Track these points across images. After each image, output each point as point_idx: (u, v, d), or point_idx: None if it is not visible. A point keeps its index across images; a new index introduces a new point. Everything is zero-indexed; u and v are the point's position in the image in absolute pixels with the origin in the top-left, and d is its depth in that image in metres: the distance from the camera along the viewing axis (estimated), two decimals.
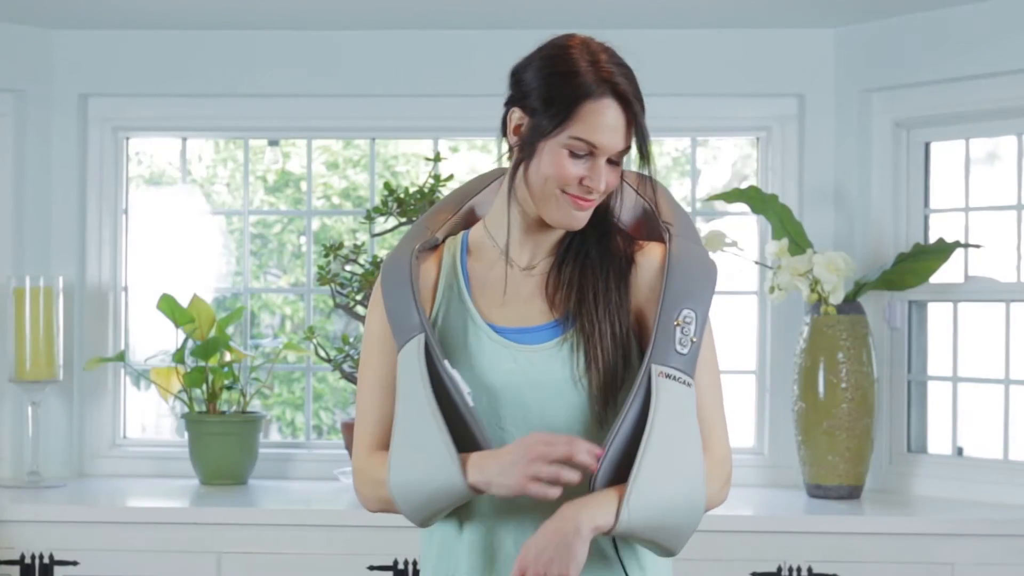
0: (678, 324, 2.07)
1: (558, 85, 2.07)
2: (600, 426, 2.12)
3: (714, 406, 2.18)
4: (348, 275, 4.02)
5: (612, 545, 2.15)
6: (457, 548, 2.18)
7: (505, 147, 2.17)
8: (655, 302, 2.13)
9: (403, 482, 2.11)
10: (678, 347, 2.06)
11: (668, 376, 2.04)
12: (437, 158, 4.10)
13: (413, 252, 2.20)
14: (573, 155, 2.08)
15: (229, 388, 4.25)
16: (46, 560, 3.71)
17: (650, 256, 2.19)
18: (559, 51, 2.10)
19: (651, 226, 2.23)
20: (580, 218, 2.12)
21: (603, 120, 2.06)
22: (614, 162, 2.11)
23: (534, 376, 2.13)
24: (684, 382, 2.05)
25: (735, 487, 4.10)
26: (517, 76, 2.14)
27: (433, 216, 2.29)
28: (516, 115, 2.12)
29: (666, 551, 2.11)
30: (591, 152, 2.08)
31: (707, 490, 2.09)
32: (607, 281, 2.15)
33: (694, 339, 2.07)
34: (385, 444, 2.19)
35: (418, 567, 3.64)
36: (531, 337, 2.15)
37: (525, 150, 2.11)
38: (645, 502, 2.01)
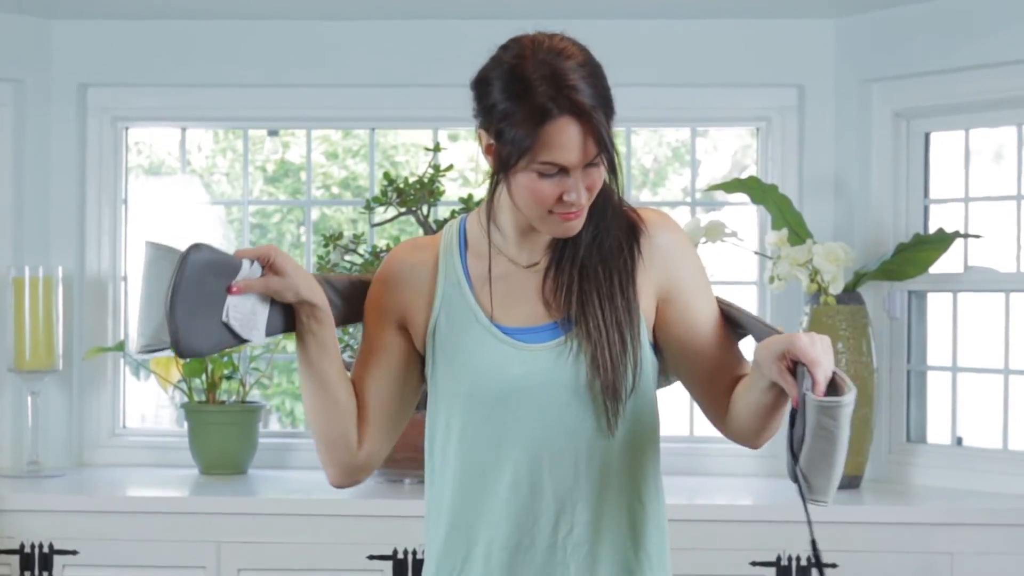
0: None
1: (516, 112, 2.01)
2: (602, 435, 2.13)
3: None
4: (348, 265, 4.01)
5: (632, 546, 2.16)
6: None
7: None
8: (684, 277, 2.17)
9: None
10: None
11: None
12: (437, 148, 4.10)
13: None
14: (545, 176, 2.03)
15: (228, 378, 4.26)
16: (46, 550, 3.71)
17: (660, 231, 2.18)
18: (513, 70, 2.03)
19: None
20: (574, 227, 2.09)
21: (565, 140, 2.00)
22: (593, 163, 2.05)
23: (545, 377, 2.11)
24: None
25: (734, 476, 4.13)
26: (477, 91, 2.08)
27: None
28: (484, 137, 2.08)
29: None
30: (562, 170, 2.03)
31: None
32: (611, 285, 2.13)
33: None
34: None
35: (419, 556, 3.65)
36: (535, 337, 2.14)
37: (500, 176, 2.08)
38: None
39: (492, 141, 2.06)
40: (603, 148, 2.02)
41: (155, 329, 2.06)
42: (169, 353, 2.11)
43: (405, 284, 2.21)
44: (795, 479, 2.04)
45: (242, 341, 2.13)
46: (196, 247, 2.06)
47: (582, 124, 2.00)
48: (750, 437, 2.19)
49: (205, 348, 2.09)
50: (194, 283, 2.05)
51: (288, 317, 2.18)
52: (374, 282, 2.24)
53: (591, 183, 2.05)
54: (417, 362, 2.23)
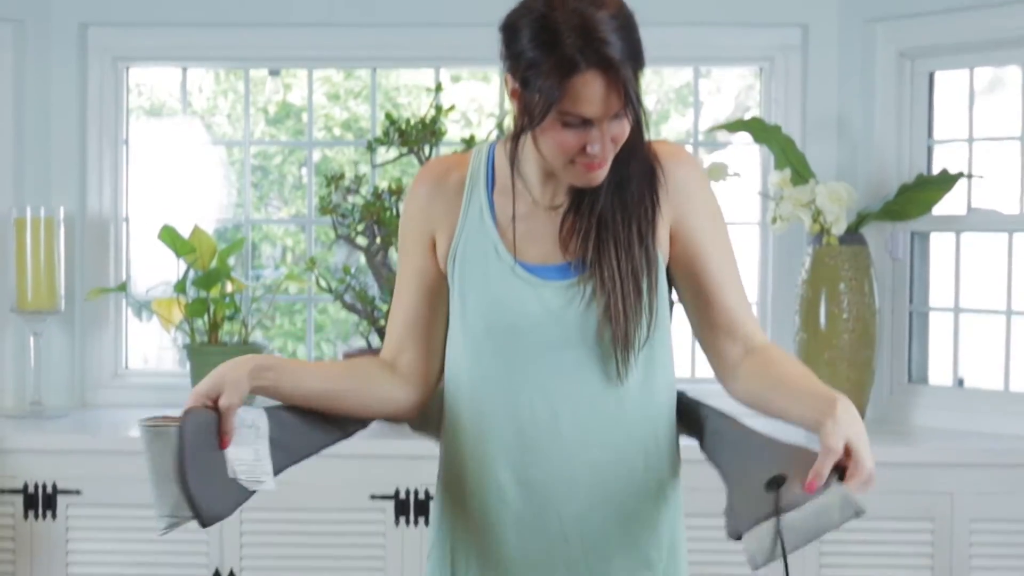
0: None
1: (543, 62, 1.98)
2: (611, 382, 2.13)
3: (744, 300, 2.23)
4: (349, 206, 4.01)
5: (647, 486, 2.18)
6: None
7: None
8: (693, 215, 2.17)
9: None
10: None
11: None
12: (438, 88, 4.09)
13: None
14: (569, 125, 2.01)
15: (230, 319, 4.25)
16: (49, 490, 3.73)
17: (674, 165, 2.17)
18: (543, 18, 1.99)
19: None
20: (597, 177, 2.08)
21: (590, 92, 1.98)
22: (618, 116, 2.02)
23: (557, 316, 2.12)
24: None
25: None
26: (505, 36, 2.05)
27: None
28: (511, 81, 2.06)
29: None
30: (586, 121, 2.01)
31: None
32: (630, 233, 2.12)
33: None
34: (394, 351, 2.24)
35: (420, 497, 3.66)
36: (549, 273, 2.14)
37: (524, 122, 2.06)
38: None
39: (518, 87, 2.04)
40: (628, 103, 2.00)
41: (173, 506, 2.02)
42: (192, 523, 2.05)
43: (435, 202, 2.21)
44: (737, 535, 1.97)
45: (254, 491, 2.10)
46: (189, 413, 2.04)
47: (609, 78, 1.98)
48: (748, 403, 2.19)
49: (226, 511, 2.05)
50: (196, 451, 2.01)
51: (297, 441, 2.17)
52: (406, 204, 2.25)
53: (616, 135, 2.04)
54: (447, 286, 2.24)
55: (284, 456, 2.14)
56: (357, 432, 2.27)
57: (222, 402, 2.05)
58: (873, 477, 1.92)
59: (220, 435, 2.05)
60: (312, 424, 2.19)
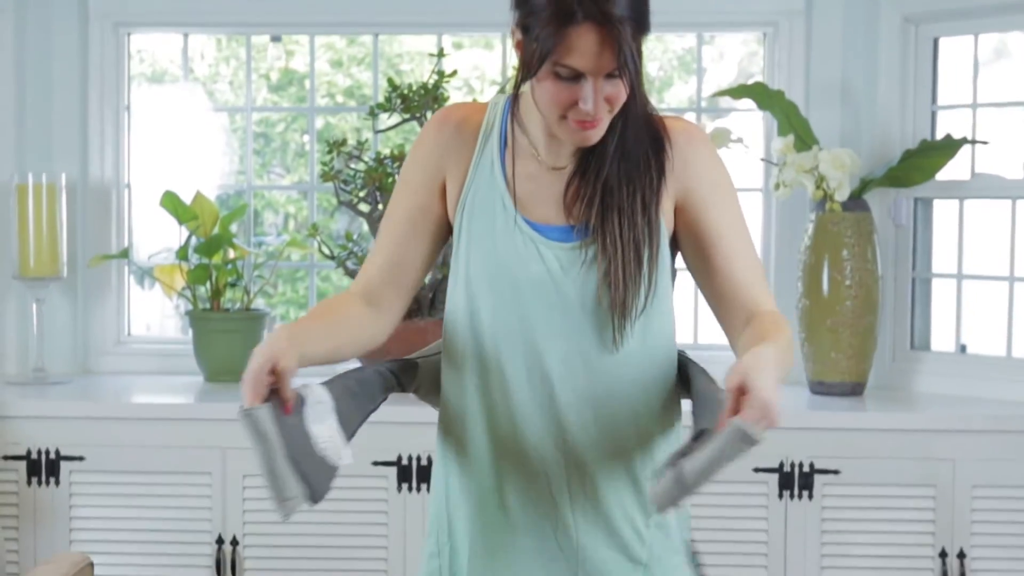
0: None
1: (543, 9, 1.97)
2: (606, 349, 2.13)
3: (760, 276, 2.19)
4: (352, 172, 4.00)
5: (638, 454, 2.18)
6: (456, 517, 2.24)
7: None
8: (698, 190, 2.14)
9: None
10: None
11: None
12: (441, 54, 4.07)
13: None
14: (561, 78, 2.00)
15: (233, 285, 4.25)
16: (52, 456, 3.73)
17: (683, 142, 2.15)
18: None
19: None
20: (590, 137, 2.07)
21: (583, 44, 1.97)
22: (614, 75, 2.01)
23: (557, 277, 2.12)
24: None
25: None
26: None
27: None
28: (516, 33, 2.06)
29: None
30: (578, 76, 2.00)
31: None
32: (634, 202, 2.11)
33: None
34: (375, 285, 2.22)
35: (423, 463, 3.67)
36: (552, 234, 2.14)
37: (523, 73, 2.06)
38: None
39: (521, 37, 2.04)
40: (622, 63, 1.98)
41: (286, 488, 1.97)
42: (305, 503, 1.99)
43: (452, 145, 2.21)
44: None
45: (338, 466, 2.07)
46: (270, 397, 2.00)
47: (604, 34, 1.96)
48: None
49: (327, 487, 2.02)
50: (288, 429, 1.98)
51: (349, 415, 2.13)
52: (420, 142, 2.24)
53: (610, 96, 2.03)
54: (443, 230, 2.23)
55: (345, 429, 2.11)
56: (382, 403, 2.25)
57: (281, 365, 1.98)
58: (772, 408, 1.83)
59: (282, 402, 2.00)
60: (353, 396, 2.17)
